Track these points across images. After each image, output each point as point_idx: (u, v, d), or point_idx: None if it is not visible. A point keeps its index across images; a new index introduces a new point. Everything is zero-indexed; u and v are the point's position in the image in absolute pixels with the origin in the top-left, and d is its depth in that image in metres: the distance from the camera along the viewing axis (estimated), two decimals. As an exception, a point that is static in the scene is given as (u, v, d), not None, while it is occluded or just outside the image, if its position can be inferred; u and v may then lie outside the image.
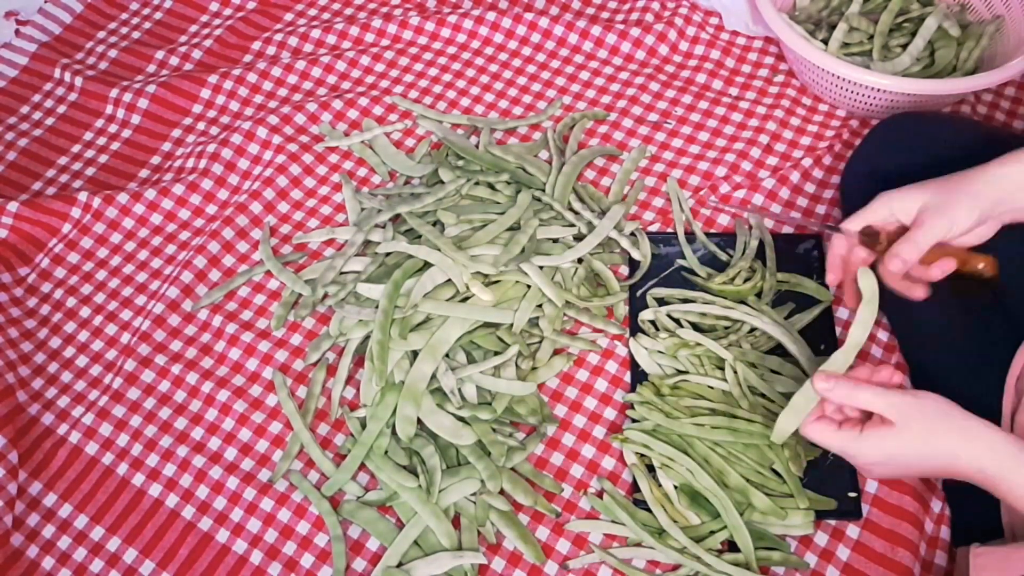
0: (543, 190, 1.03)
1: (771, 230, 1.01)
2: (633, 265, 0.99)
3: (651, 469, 0.84)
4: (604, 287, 0.97)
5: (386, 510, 0.86)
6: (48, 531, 0.89)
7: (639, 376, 0.91)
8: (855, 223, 0.76)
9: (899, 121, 0.90)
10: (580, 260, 0.97)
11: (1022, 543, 0.66)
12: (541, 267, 0.94)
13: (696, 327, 0.92)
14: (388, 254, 0.98)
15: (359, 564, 0.84)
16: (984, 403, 0.67)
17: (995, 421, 0.72)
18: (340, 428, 0.92)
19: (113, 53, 1.28)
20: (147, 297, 1.04)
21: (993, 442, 0.62)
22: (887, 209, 0.73)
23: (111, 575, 0.86)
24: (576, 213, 1.00)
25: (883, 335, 0.93)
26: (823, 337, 0.92)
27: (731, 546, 0.81)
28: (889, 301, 0.90)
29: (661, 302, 0.95)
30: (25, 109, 1.23)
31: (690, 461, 0.82)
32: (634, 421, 0.87)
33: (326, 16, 1.30)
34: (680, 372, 0.89)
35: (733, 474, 0.82)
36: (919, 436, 0.64)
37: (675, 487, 0.83)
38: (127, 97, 1.20)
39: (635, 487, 0.84)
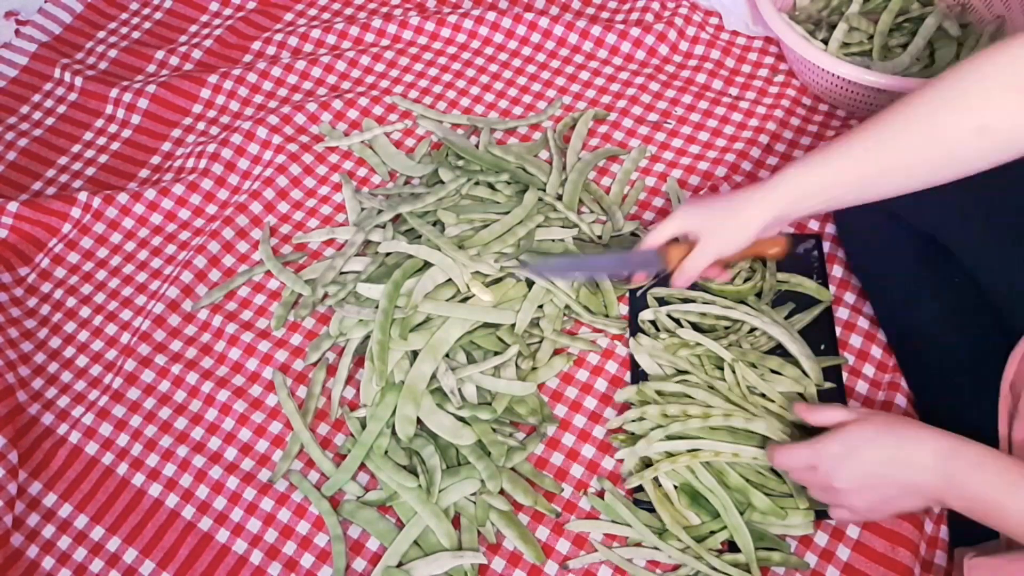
0: (543, 190, 1.03)
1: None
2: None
3: (648, 465, 0.84)
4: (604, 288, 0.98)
5: (386, 510, 0.86)
6: (48, 531, 0.89)
7: (639, 376, 0.91)
8: (655, 239, 0.83)
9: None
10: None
11: (1016, 553, 0.66)
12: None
13: (696, 327, 0.92)
14: (388, 254, 0.98)
15: (359, 564, 0.84)
16: (981, 406, 0.68)
17: (993, 424, 0.72)
18: (340, 428, 0.92)
19: (113, 53, 1.28)
20: (147, 297, 1.04)
21: (938, 434, 0.65)
22: (683, 223, 0.80)
23: (111, 575, 0.86)
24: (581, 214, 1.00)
25: (883, 336, 0.93)
26: (823, 337, 0.92)
27: (731, 546, 0.81)
28: (884, 311, 0.91)
29: (661, 302, 0.95)
30: (25, 109, 1.24)
31: (691, 460, 0.81)
32: (633, 421, 0.87)
33: (326, 16, 1.30)
34: (680, 372, 0.89)
35: (733, 474, 0.82)
36: (881, 425, 0.67)
37: (675, 487, 0.83)
38: (127, 97, 1.20)
39: (635, 487, 0.84)
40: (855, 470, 0.67)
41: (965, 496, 0.63)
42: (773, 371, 0.88)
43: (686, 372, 0.88)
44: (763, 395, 0.86)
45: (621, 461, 0.87)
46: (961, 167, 0.66)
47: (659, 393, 0.87)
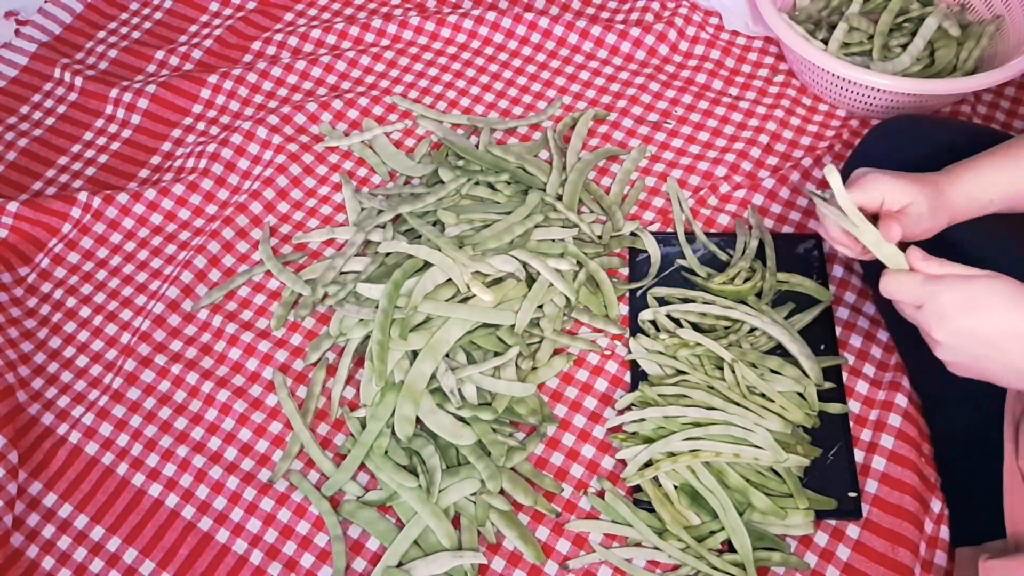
0: (543, 190, 1.03)
1: (771, 230, 1.01)
2: (633, 267, 0.99)
3: (647, 465, 0.84)
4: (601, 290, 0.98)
5: (386, 510, 0.86)
6: (48, 531, 0.89)
7: (639, 376, 0.91)
8: (850, 200, 0.70)
9: (899, 121, 0.90)
10: (580, 263, 0.97)
11: None
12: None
13: (696, 327, 0.92)
14: (388, 254, 0.98)
15: (359, 564, 0.84)
16: (988, 405, 0.67)
17: (999, 421, 0.72)
18: (340, 428, 0.92)
19: (113, 53, 1.28)
20: (147, 297, 1.04)
21: None
22: (879, 194, 0.69)
23: (111, 575, 0.86)
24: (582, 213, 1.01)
25: (883, 336, 0.93)
26: (823, 337, 0.92)
27: (731, 546, 0.81)
28: (888, 309, 0.90)
29: (661, 302, 0.95)
30: (25, 109, 1.24)
31: (691, 459, 0.81)
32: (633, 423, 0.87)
33: (326, 16, 1.30)
34: (680, 372, 0.89)
35: (733, 474, 0.82)
36: (1016, 289, 0.59)
37: (675, 487, 0.83)
38: (127, 97, 1.20)
39: (635, 487, 0.84)
40: (972, 326, 0.59)
41: None
42: (773, 371, 0.88)
43: (686, 372, 0.88)
44: (763, 395, 0.86)
45: (621, 462, 0.87)
46: None
47: (660, 396, 0.87)
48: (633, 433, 0.87)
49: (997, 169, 0.70)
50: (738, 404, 0.84)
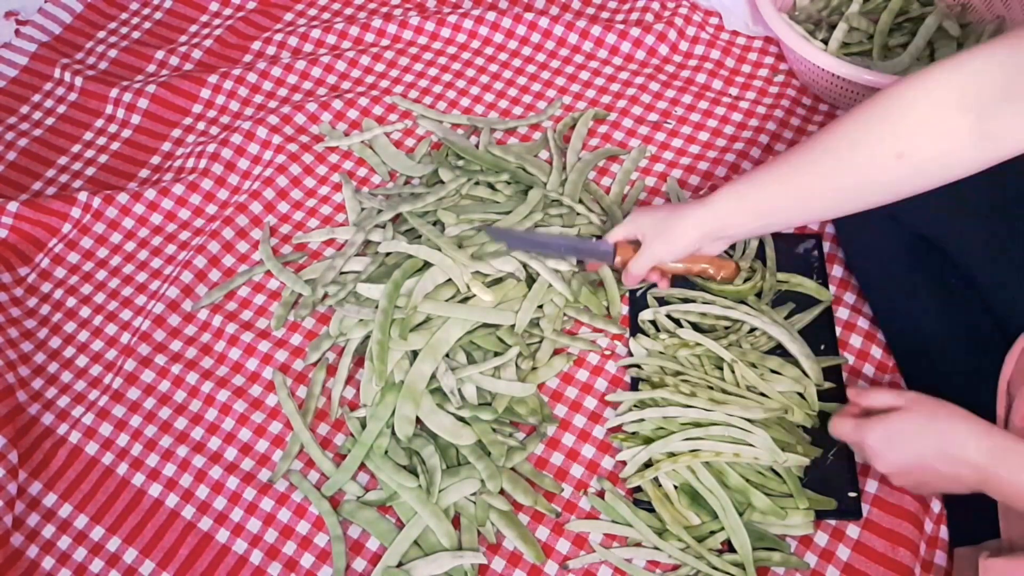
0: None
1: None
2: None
3: (648, 465, 0.84)
4: (604, 289, 0.98)
5: (386, 510, 0.86)
6: (48, 531, 0.89)
7: (639, 376, 0.91)
8: (612, 235, 0.86)
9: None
10: (580, 263, 0.97)
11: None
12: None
13: (696, 327, 0.92)
14: (388, 254, 0.98)
15: (359, 564, 0.84)
16: (980, 407, 0.68)
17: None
18: (340, 428, 0.92)
19: (113, 53, 1.28)
20: (147, 297, 1.04)
21: (993, 430, 0.65)
22: (635, 226, 0.83)
23: (111, 575, 0.86)
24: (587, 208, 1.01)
25: (883, 336, 0.93)
26: (823, 337, 0.92)
27: (731, 547, 0.81)
28: (882, 311, 0.91)
29: (661, 302, 0.95)
30: (25, 109, 1.24)
31: (691, 459, 0.81)
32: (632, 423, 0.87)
33: (326, 16, 1.30)
34: (680, 373, 0.89)
35: (733, 474, 0.82)
36: (922, 414, 0.68)
37: (675, 487, 0.83)
38: (127, 97, 1.20)
39: (635, 487, 0.84)
40: (897, 458, 0.69)
41: (1005, 494, 0.64)
42: (773, 371, 0.88)
43: (685, 373, 0.89)
44: (763, 395, 0.86)
45: (622, 462, 0.87)
46: (885, 193, 0.67)
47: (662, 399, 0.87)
48: (633, 433, 0.87)
49: (745, 192, 0.75)
50: (739, 396, 0.84)
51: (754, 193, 0.74)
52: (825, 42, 1.08)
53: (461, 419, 0.88)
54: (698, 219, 0.77)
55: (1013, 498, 0.63)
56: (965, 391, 0.71)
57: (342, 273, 1.00)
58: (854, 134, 0.65)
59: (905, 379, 0.89)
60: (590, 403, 0.92)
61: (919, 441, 0.68)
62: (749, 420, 0.82)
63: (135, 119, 1.20)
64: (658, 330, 0.93)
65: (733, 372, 0.86)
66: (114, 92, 1.21)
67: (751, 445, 0.81)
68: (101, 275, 1.06)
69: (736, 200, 0.75)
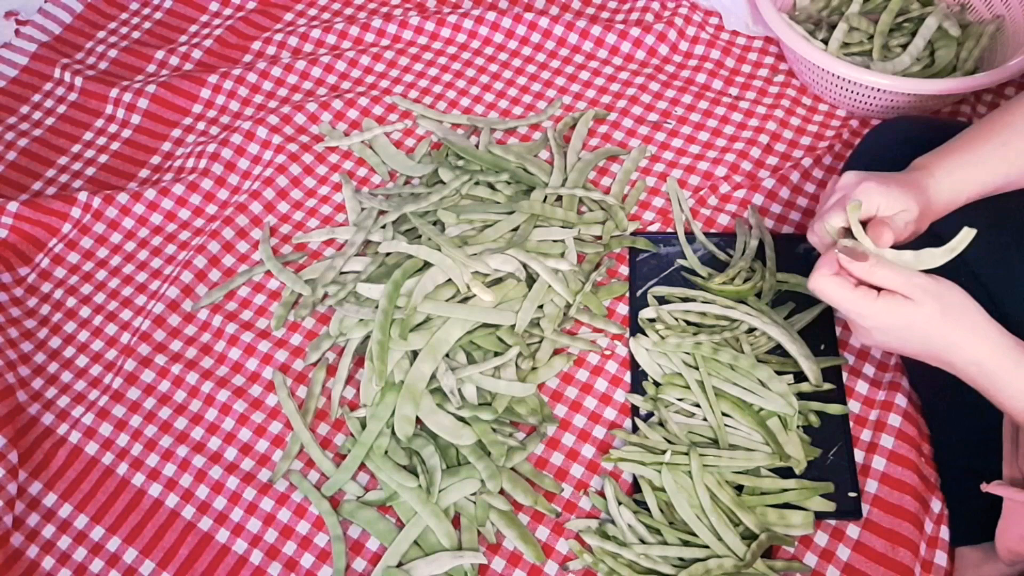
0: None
1: (771, 230, 1.01)
2: (633, 267, 0.99)
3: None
4: (605, 288, 0.98)
5: (386, 510, 0.86)
6: (48, 531, 0.89)
7: (639, 376, 0.91)
8: (864, 234, 0.70)
9: (899, 121, 0.90)
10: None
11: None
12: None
13: (696, 327, 0.92)
14: (388, 254, 0.98)
15: (359, 564, 0.84)
16: (985, 409, 0.67)
17: (997, 423, 0.72)
18: (340, 428, 0.92)
19: (113, 53, 1.28)
20: (147, 297, 1.04)
21: (999, 344, 0.63)
22: (874, 206, 0.70)
23: (111, 575, 0.86)
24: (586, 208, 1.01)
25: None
26: (823, 337, 0.92)
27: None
28: None
29: (661, 302, 0.95)
30: (25, 109, 1.24)
31: (686, 479, 0.81)
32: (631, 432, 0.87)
33: (326, 16, 1.30)
34: (679, 373, 0.89)
35: (733, 476, 0.82)
36: (932, 317, 0.63)
37: (674, 487, 0.83)
38: (127, 97, 1.20)
39: (635, 487, 0.84)
40: (892, 344, 0.66)
41: (980, 388, 0.64)
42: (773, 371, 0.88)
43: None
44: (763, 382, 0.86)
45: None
46: None
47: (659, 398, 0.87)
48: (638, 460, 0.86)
49: (967, 165, 0.71)
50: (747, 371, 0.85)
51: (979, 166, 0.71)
52: (825, 42, 1.08)
53: (461, 419, 0.88)
54: (942, 199, 0.71)
55: (985, 393, 0.63)
56: (969, 391, 0.71)
57: (342, 273, 1.00)
58: None
59: (909, 376, 0.89)
60: (590, 403, 0.92)
61: (921, 341, 0.64)
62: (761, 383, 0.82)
63: (135, 119, 1.20)
64: (657, 331, 0.92)
65: (733, 371, 0.86)
66: (114, 92, 1.21)
67: (749, 448, 0.81)
68: (101, 275, 1.06)
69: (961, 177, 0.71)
